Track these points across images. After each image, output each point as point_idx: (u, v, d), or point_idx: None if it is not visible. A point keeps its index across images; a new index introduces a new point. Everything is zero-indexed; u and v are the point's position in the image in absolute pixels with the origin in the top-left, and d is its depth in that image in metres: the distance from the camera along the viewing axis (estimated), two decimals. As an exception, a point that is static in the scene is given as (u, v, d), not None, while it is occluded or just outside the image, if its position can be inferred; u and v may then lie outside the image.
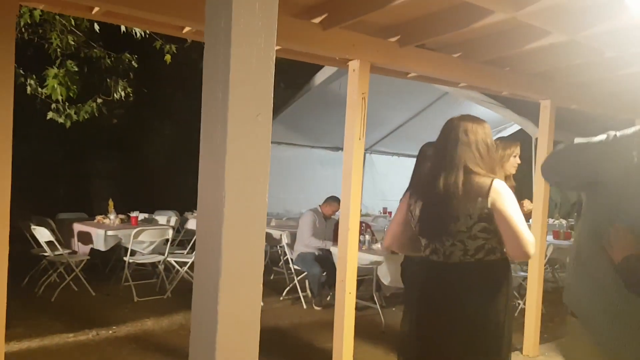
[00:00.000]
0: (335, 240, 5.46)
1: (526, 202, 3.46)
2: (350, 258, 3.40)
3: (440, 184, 2.18)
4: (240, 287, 1.08)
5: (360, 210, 8.80)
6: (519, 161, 3.40)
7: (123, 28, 5.71)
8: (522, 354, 4.49)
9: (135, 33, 5.94)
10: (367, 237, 5.70)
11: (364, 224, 6.11)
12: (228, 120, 1.03)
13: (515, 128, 7.36)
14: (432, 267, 2.27)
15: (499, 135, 8.19)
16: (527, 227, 2.07)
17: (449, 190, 2.15)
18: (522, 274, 5.44)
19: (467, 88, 4.52)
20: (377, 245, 5.63)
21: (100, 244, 5.98)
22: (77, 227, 6.33)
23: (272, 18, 1.06)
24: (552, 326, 5.02)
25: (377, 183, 9.82)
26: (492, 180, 2.10)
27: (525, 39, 3.17)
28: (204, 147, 1.10)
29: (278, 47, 3.29)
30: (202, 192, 1.11)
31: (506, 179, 3.53)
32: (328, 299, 5.92)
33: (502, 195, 2.07)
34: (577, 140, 1.80)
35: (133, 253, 6.00)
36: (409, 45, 3.28)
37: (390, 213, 8.40)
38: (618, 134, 1.70)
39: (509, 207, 2.06)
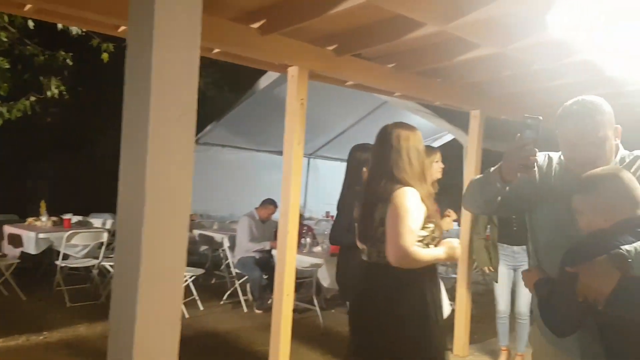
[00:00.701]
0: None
1: (450, 212, 3.60)
2: (288, 261, 3.44)
3: (370, 187, 2.31)
4: (160, 289, 1.08)
5: (303, 214, 8.88)
6: (442, 166, 3.56)
7: (60, 25, 5.53)
8: (452, 353, 4.66)
9: (72, 31, 5.77)
10: (309, 239, 5.76)
11: (305, 227, 6.17)
12: (149, 120, 1.04)
13: (450, 137, 7.61)
14: (362, 266, 2.40)
15: (435, 143, 8.47)
16: (410, 238, 2.11)
17: (373, 195, 2.27)
18: (454, 276, 5.64)
19: (402, 97, 4.67)
20: (318, 248, 5.70)
21: (31, 247, 5.76)
22: (8, 229, 6.08)
23: (196, 19, 1.09)
24: (482, 327, 5.22)
25: (321, 187, 9.91)
26: (399, 188, 2.18)
27: (456, 51, 3.32)
28: (124, 148, 1.11)
29: (216, 50, 3.30)
30: (122, 193, 1.12)
31: (432, 184, 3.69)
32: (269, 302, 5.91)
33: (397, 202, 2.15)
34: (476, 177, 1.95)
35: (66, 257, 5.81)
36: (346, 55, 3.37)
37: (332, 217, 8.51)
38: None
39: (396, 214, 2.13)
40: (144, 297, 1.06)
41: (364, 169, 3.09)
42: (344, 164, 3.54)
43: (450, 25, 2.71)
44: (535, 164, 1.78)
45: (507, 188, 1.84)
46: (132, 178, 1.10)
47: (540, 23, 2.76)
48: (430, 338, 2.26)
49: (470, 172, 4.55)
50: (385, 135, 2.32)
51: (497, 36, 2.97)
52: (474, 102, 4.40)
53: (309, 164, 9.98)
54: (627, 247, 1.53)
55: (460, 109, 4.66)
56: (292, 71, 3.31)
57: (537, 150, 1.75)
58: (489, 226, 4.25)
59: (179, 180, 1.10)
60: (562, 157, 1.92)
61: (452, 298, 5.36)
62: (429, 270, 2.27)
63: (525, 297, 4.11)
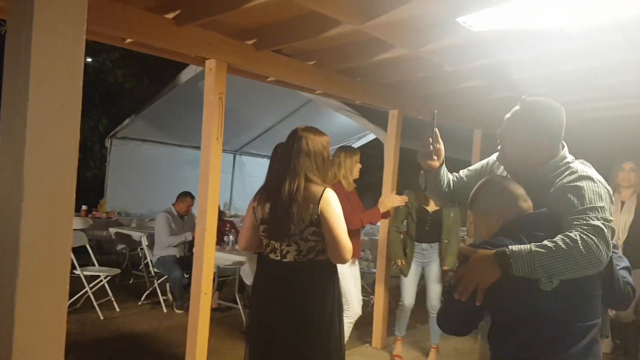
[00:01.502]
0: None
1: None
2: (206, 259, 3.37)
3: (282, 189, 2.32)
4: (41, 289, 1.02)
5: (226, 210, 8.76)
6: (360, 166, 3.66)
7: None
8: (371, 346, 4.77)
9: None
10: (232, 237, 5.68)
11: (228, 224, 6.09)
12: (28, 109, 0.98)
13: (372, 136, 7.78)
14: (269, 264, 2.41)
15: (358, 142, 8.62)
16: (346, 234, 2.29)
17: (288, 196, 2.29)
18: (374, 271, 5.77)
19: (323, 95, 4.71)
20: (241, 246, 5.63)
21: None
22: None
23: (82, 6, 1.03)
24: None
25: (247, 184, 9.83)
26: (325, 190, 2.30)
27: (373, 51, 3.39)
28: (3, 139, 1.04)
29: (129, 40, 3.18)
30: (-1, 187, 1.05)
31: (350, 183, 3.77)
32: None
33: (330, 204, 2.28)
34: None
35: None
36: (265, 50, 3.35)
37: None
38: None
39: (333, 215, 2.27)
40: (22, 299, 1.00)
41: None
42: (270, 161, 3.52)
43: (365, 25, 2.75)
44: (433, 154, 1.98)
45: (451, 180, 2.10)
46: (9, 172, 1.02)
47: (449, 26, 2.87)
48: (341, 329, 2.40)
49: (389, 170, 4.67)
50: (295, 138, 2.38)
51: (410, 38, 3.06)
52: (392, 101, 4.51)
53: (234, 160, 9.86)
54: (513, 247, 1.59)
55: (379, 108, 4.77)
56: (210, 64, 3.25)
57: (431, 140, 1.96)
58: (405, 221, 4.36)
59: (61, 175, 1.04)
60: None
61: (373, 292, 5.49)
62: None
63: (435, 291, 4.27)
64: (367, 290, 6.24)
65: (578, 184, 1.69)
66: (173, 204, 6.06)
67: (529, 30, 2.91)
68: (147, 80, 12.02)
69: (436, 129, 1.97)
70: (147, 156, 8.58)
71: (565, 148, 1.88)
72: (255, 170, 9.77)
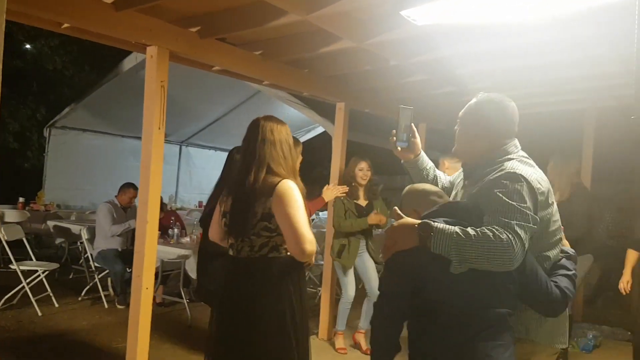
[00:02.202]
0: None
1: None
2: (148, 252, 3.27)
3: (244, 181, 2.24)
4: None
5: (172, 203, 8.57)
6: (302, 158, 3.66)
7: None
8: (317, 337, 4.79)
9: None
10: (176, 230, 5.57)
11: (173, 217, 5.96)
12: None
13: (322, 129, 7.79)
14: (228, 261, 2.35)
15: (307, 135, 8.62)
16: (308, 226, 2.16)
17: (248, 188, 2.22)
18: (321, 262, 5.80)
19: (272, 86, 4.66)
20: (187, 239, 5.53)
21: None
22: None
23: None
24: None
25: (193, 176, 9.66)
26: (280, 181, 2.18)
27: (320, 43, 3.37)
28: None
29: (65, 25, 3.04)
30: None
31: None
32: (133, 296, 5.65)
33: (285, 196, 2.15)
34: None
35: None
36: (210, 38, 3.27)
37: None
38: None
39: (288, 208, 2.13)
40: None
41: None
42: (218, 153, 3.47)
43: (311, 16, 2.73)
44: (398, 145, 2.10)
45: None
46: None
47: (394, 20, 2.90)
48: (305, 326, 2.34)
49: (336, 162, 4.68)
50: (258, 127, 2.29)
51: (356, 30, 3.07)
52: (338, 94, 4.52)
53: (180, 151, 9.66)
54: (439, 224, 1.66)
55: (326, 100, 4.77)
56: (151, 51, 3.15)
57: (395, 132, 2.09)
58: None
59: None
60: None
61: (320, 284, 5.52)
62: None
63: (375, 279, 4.33)
64: (315, 282, 6.27)
65: (502, 181, 1.74)
66: (116, 196, 5.89)
67: (471, 25, 2.97)
68: (88, 67, 11.58)
69: (412, 125, 2.10)
70: (87, 146, 8.29)
71: (514, 145, 1.92)
72: (202, 162, 9.61)
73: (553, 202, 1.86)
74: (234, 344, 2.26)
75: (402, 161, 2.26)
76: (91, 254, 5.78)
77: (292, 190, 2.18)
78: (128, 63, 6.45)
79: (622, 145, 4.46)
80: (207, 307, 3.54)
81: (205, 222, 3.27)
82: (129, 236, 5.71)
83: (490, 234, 1.59)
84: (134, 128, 8.09)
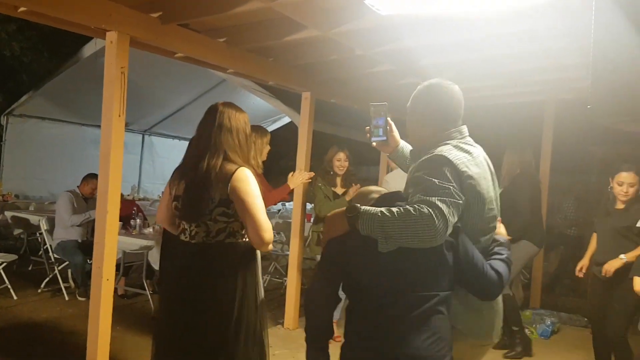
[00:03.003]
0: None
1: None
2: (108, 243, 3.21)
3: (199, 166, 2.20)
4: None
5: (136, 194, 8.43)
6: (269, 148, 3.65)
7: None
8: (283, 327, 4.80)
9: None
10: (139, 221, 5.47)
11: (135, 207, 5.86)
12: None
13: (287, 119, 7.78)
14: (179, 247, 2.31)
15: (273, 125, 8.58)
16: (265, 214, 2.17)
17: (203, 174, 2.18)
18: (287, 253, 5.81)
19: (237, 75, 4.62)
20: (150, 230, 5.45)
21: None
22: None
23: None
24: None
25: (157, 166, 9.51)
26: (237, 168, 2.17)
27: (285, 31, 3.35)
28: None
29: (22, 9, 2.95)
30: None
31: (259, 165, 3.76)
32: (95, 288, 5.55)
33: (243, 183, 2.15)
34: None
35: None
36: (172, 23, 3.21)
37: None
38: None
39: (247, 195, 2.13)
40: None
41: None
42: (182, 142, 3.42)
43: (275, 3, 2.71)
44: (372, 139, 2.14)
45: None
46: None
47: (358, 9, 2.90)
48: (260, 315, 2.32)
49: (302, 153, 4.67)
50: (216, 113, 2.26)
51: (320, 19, 3.06)
52: (304, 83, 4.50)
53: (143, 141, 9.48)
54: (367, 207, 1.72)
55: (292, 90, 4.74)
56: (111, 37, 3.07)
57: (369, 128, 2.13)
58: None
59: None
60: None
61: (285, 274, 5.52)
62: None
63: None
64: (281, 272, 6.27)
65: (427, 163, 1.79)
66: (78, 186, 5.76)
67: (434, 16, 3.00)
68: (47, 54, 11.21)
69: (388, 118, 2.14)
70: (47, 135, 8.06)
71: (458, 131, 1.95)
72: (165, 152, 9.45)
73: (489, 190, 1.88)
74: (183, 330, 2.23)
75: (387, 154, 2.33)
76: (50, 245, 5.64)
77: (250, 178, 2.19)
78: (88, 49, 6.28)
79: (580, 137, 4.60)
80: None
81: None
82: (90, 227, 5.59)
83: (411, 209, 1.63)
84: (95, 116, 7.81)
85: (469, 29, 3.23)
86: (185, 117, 8.58)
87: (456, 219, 1.71)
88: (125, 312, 5.09)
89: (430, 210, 1.62)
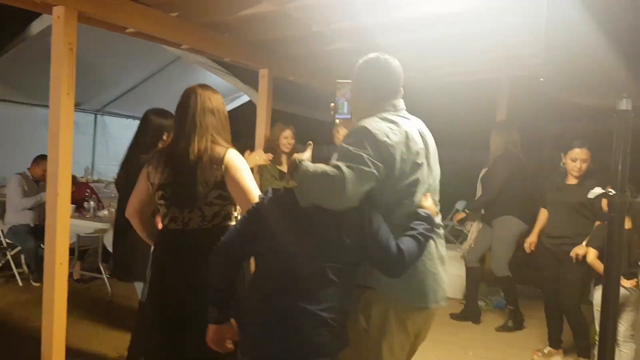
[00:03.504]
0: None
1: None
2: (60, 225, 3.09)
3: (190, 150, 2.17)
4: None
5: (90, 176, 8.20)
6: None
7: None
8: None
9: None
10: (93, 203, 5.34)
11: (88, 190, 5.71)
12: None
13: (246, 98, 7.66)
14: (169, 236, 2.26)
15: (232, 104, 8.45)
16: (258, 191, 2.18)
17: (195, 158, 2.16)
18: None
19: (190, 51, 4.50)
20: (104, 212, 5.32)
21: None
22: None
23: None
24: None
25: (111, 147, 9.23)
26: (227, 150, 2.19)
27: (240, 5, 3.28)
28: None
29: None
30: None
31: None
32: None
33: (236, 164, 2.17)
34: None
35: None
36: (122, -3, 3.08)
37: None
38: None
39: (241, 176, 2.16)
40: None
41: (164, 136, 2.99)
42: (136, 122, 3.29)
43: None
44: (342, 118, 2.15)
45: None
46: None
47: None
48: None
49: (261, 131, 4.62)
50: (197, 96, 2.24)
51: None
52: (261, 60, 4.42)
53: (96, 121, 9.17)
54: (309, 164, 1.82)
55: (249, 67, 4.66)
56: (58, 11, 2.92)
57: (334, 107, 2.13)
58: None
59: None
60: None
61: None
62: None
63: None
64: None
65: (349, 134, 1.91)
66: (28, 168, 5.57)
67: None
68: (-10, 30, 10.65)
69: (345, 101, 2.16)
70: (-8, 116, 7.69)
71: (392, 105, 1.98)
72: (119, 132, 9.16)
73: (412, 161, 1.90)
74: (185, 318, 2.18)
75: None
76: (2, 230, 5.46)
77: (240, 158, 2.22)
78: (36, 26, 5.98)
79: (533, 114, 4.71)
80: (129, 283, 3.45)
81: (122, 187, 3.14)
82: (42, 211, 5.41)
83: (326, 169, 1.76)
84: (46, 97, 7.55)
85: (425, 7, 3.24)
86: (139, 96, 8.32)
87: (367, 187, 1.78)
88: (82, 297, 5.01)
89: (339, 173, 1.72)
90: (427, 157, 1.98)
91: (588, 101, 1.60)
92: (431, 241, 1.93)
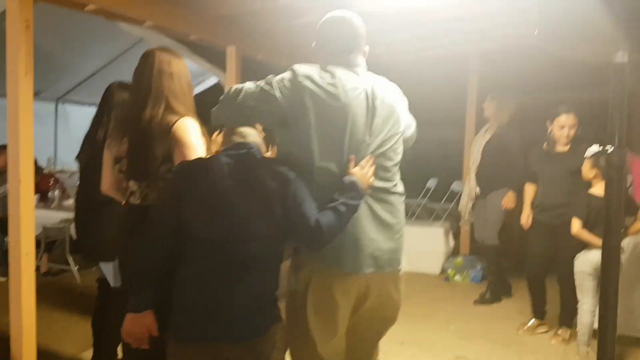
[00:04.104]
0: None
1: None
2: (24, 214, 2.95)
3: (142, 117, 2.01)
4: None
5: (53, 167, 7.92)
6: None
7: None
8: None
9: None
10: (57, 193, 5.16)
11: (52, 179, 5.51)
12: None
13: (214, 80, 7.50)
14: (130, 210, 2.13)
15: (199, 87, 8.25)
16: None
17: (148, 125, 2.00)
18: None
19: (153, 28, 4.31)
20: (70, 202, 5.15)
21: None
22: None
23: None
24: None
25: (74, 137, 8.93)
26: (178, 119, 2.01)
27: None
28: None
29: None
30: None
31: None
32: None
33: (183, 135, 1.98)
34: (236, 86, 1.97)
35: None
36: (79, -29, 2.91)
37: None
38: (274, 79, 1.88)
39: (186, 148, 1.97)
40: None
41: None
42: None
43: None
44: None
45: None
46: None
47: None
48: None
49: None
50: (154, 58, 2.07)
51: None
52: (228, 37, 4.27)
53: (56, 110, 8.86)
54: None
55: (215, 44, 4.51)
56: (11, -15, 2.74)
57: None
58: None
59: None
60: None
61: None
62: None
63: None
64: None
65: None
66: (-11, 160, 5.31)
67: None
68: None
69: None
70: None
71: (348, 60, 1.94)
72: (82, 121, 8.83)
73: (340, 114, 1.84)
74: None
75: None
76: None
77: (190, 129, 2.02)
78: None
79: (504, 90, 4.70)
80: (97, 273, 3.31)
81: (84, 160, 3.01)
82: (5, 203, 5.20)
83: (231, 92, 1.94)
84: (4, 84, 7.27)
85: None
86: (100, 82, 7.99)
87: (266, 106, 1.85)
88: (51, 290, 4.86)
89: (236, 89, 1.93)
90: (368, 116, 1.88)
91: (583, 56, 1.56)
92: (363, 205, 1.86)
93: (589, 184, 3.54)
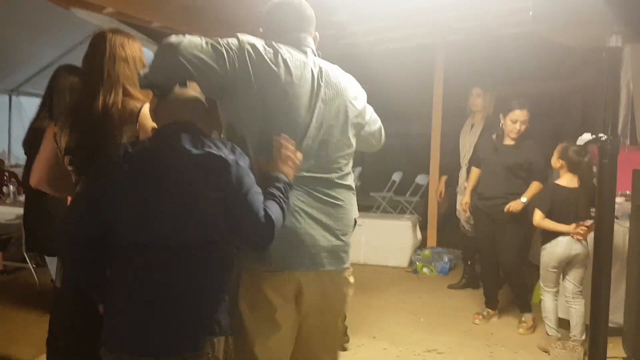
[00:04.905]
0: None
1: None
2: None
3: (95, 105, 1.86)
4: None
5: (7, 161, 7.60)
6: None
7: None
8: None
9: None
10: (12, 188, 4.93)
11: (7, 173, 5.28)
12: None
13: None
14: (79, 202, 1.92)
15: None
16: None
17: (102, 114, 1.86)
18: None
19: (113, 16, 4.14)
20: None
21: None
22: None
23: None
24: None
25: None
26: (143, 105, 1.89)
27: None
28: None
29: None
30: None
31: None
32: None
33: (150, 122, 1.83)
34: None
35: None
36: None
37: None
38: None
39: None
40: None
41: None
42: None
43: None
44: None
45: None
46: None
47: None
48: None
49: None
50: (106, 41, 1.92)
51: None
52: (192, 25, 4.15)
53: (10, 102, 8.50)
54: None
55: (178, 33, 4.38)
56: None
57: None
58: None
59: None
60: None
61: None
62: None
63: None
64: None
65: None
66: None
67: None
68: None
69: None
70: None
71: (298, 40, 1.83)
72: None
73: (278, 87, 1.72)
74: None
75: None
76: None
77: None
78: None
79: (469, 81, 4.70)
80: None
81: (31, 152, 2.84)
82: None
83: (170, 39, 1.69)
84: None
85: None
86: (56, 73, 7.79)
87: (210, 60, 1.65)
88: (7, 289, 4.67)
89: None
90: (312, 97, 1.76)
91: (577, 41, 1.53)
92: (297, 198, 1.72)
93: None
